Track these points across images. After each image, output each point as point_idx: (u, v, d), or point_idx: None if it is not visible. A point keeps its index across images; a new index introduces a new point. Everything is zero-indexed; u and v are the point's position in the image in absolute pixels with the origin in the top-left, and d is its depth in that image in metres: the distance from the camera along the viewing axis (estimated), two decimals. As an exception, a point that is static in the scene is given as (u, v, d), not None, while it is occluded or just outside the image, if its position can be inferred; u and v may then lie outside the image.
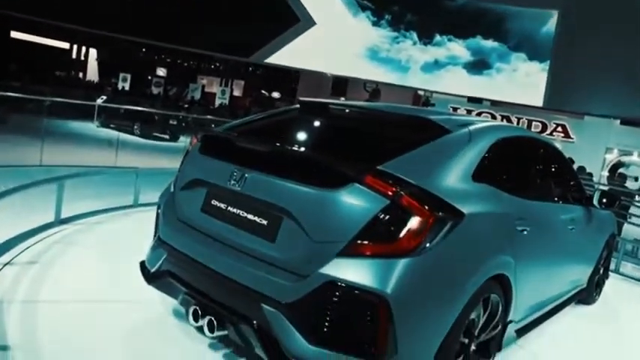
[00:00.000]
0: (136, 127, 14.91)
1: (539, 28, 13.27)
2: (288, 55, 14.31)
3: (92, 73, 34.41)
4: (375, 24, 14.42)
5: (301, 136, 2.90)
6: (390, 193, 2.07)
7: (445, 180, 2.30)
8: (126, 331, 2.79)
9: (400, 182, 2.10)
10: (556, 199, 3.58)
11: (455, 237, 2.16)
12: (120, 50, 32.13)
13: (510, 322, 2.82)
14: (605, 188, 9.41)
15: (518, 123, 15.22)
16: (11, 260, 3.49)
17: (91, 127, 14.77)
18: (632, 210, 8.76)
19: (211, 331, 2.29)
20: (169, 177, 2.97)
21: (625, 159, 15.02)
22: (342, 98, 16.38)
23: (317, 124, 2.98)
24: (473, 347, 2.47)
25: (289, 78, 31.54)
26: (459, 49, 13.95)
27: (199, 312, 2.33)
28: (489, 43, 13.76)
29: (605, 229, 4.53)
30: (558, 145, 4.81)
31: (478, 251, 2.38)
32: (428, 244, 2.07)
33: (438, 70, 14.18)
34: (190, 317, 2.36)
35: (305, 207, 2.17)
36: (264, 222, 2.31)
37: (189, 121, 15.73)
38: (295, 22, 14.09)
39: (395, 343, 2.02)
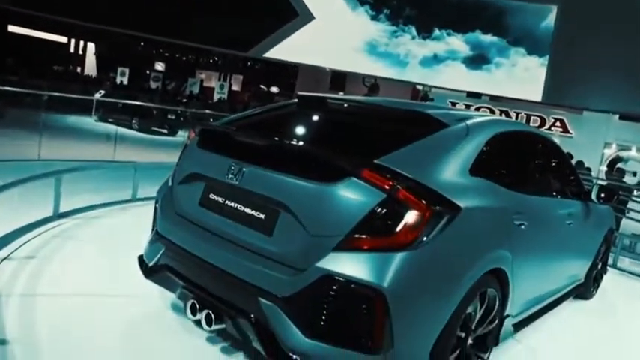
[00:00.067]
0: (134, 121, 14.90)
1: (539, 23, 13.25)
2: (286, 50, 14.28)
3: (90, 67, 34.26)
4: (374, 18, 14.37)
5: (299, 130, 2.91)
6: (387, 187, 2.07)
7: (442, 174, 2.30)
8: (124, 325, 2.80)
9: (397, 176, 2.10)
10: (554, 193, 3.58)
11: (452, 231, 2.17)
12: (118, 44, 32.01)
13: (507, 316, 2.84)
14: (604, 183, 9.45)
15: (516, 118, 15.23)
16: (10, 255, 3.49)
17: (89, 122, 14.76)
18: (630, 205, 8.79)
19: (209, 324, 2.30)
20: (168, 171, 2.97)
21: (623, 154, 15.04)
22: (341, 93, 16.36)
23: (315, 118, 2.99)
24: (470, 341, 2.48)
25: (288, 72, 31.48)
26: (457, 43, 13.91)
27: (197, 306, 2.35)
28: (488, 38, 13.72)
29: (603, 224, 4.55)
30: (557, 140, 4.81)
31: (475, 245, 2.39)
32: (425, 238, 2.08)
33: (436, 64, 14.15)
34: (188, 311, 2.38)
35: (302, 201, 2.17)
36: (262, 216, 2.32)
37: (188, 115, 15.69)
38: (294, 16, 14.04)
39: (391, 336, 2.02)
